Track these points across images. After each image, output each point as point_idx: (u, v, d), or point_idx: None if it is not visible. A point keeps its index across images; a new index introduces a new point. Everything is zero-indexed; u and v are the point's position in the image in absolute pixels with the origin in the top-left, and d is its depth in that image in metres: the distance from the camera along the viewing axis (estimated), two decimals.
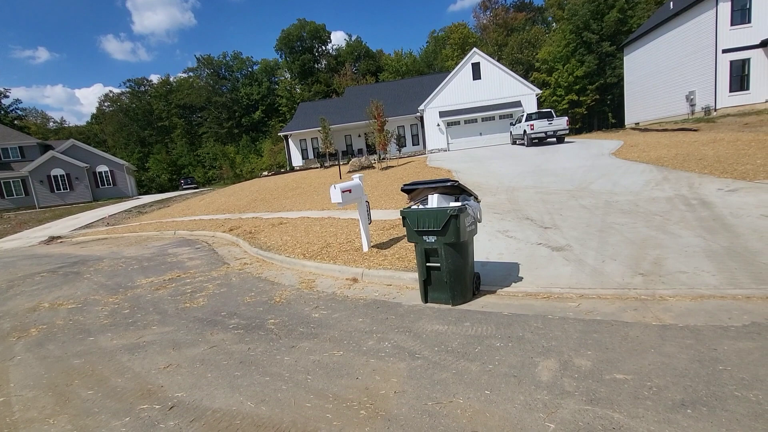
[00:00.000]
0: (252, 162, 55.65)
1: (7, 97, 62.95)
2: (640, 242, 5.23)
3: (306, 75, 62.30)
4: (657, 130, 20.56)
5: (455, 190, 4.27)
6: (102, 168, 35.02)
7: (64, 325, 4.93)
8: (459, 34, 49.29)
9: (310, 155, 34.51)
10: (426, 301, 4.32)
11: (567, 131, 19.81)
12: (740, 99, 21.30)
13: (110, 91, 76.02)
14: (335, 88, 55.96)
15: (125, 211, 25.23)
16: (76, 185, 33.36)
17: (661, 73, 26.33)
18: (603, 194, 8.23)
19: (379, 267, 5.65)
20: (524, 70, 40.87)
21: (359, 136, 33.76)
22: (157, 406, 2.76)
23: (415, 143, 32.10)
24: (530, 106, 25.67)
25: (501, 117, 26.24)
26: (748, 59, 21.14)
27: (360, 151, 34.04)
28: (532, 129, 19.82)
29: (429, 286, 4.29)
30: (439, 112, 26.95)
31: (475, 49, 26.81)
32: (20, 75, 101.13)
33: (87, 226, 21.61)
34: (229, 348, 3.63)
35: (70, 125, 78.07)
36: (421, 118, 28.55)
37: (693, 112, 23.52)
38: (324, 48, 65.27)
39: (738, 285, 3.75)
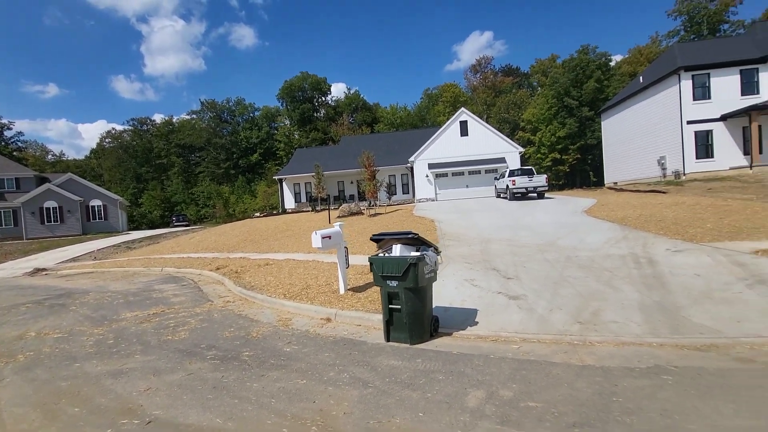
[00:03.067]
0: (246, 202, 56.51)
1: (10, 129, 64.39)
2: (587, 295, 5.82)
3: (305, 122, 65.10)
4: (630, 191, 21.87)
5: (416, 241, 4.89)
6: (95, 202, 35.44)
7: (51, 353, 5.24)
8: (450, 92, 52.68)
9: (303, 199, 35.43)
10: (388, 340, 4.78)
11: (546, 188, 21.02)
12: (706, 165, 22.95)
13: (113, 128, 78.19)
14: (332, 136, 58.37)
15: (114, 246, 25.36)
16: (68, 218, 33.55)
17: (636, 138, 28.35)
18: (567, 249, 8.92)
19: (351, 308, 6.13)
20: (510, 128, 43.44)
21: (351, 182, 34.95)
22: (136, 422, 3.14)
23: (405, 192, 33.31)
24: (514, 162, 27.23)
25: (486, 171, 27.68)
26: (711, 130, 23.09)
27: (351, 197, 35.08)
28: (514, 184, 21.01)
29: (391, 327, 4.78)
30: (429, 164, 28.37)
31: (463, 108, 28.85)
32: (27, 108, 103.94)
33: (74, 259, 21.66)
34: (205, 375, 4.02)
35: (68, 158, 79.06)
36: (412, 168, 29.93)
37: (665, 176, 25.12)
38: (324, 99, 68.81)
39: (656, 334, 4.32)
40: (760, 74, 22.43)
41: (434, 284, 7.19)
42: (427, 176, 28.49)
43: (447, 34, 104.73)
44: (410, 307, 4.59)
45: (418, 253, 4.70)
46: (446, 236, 12.22)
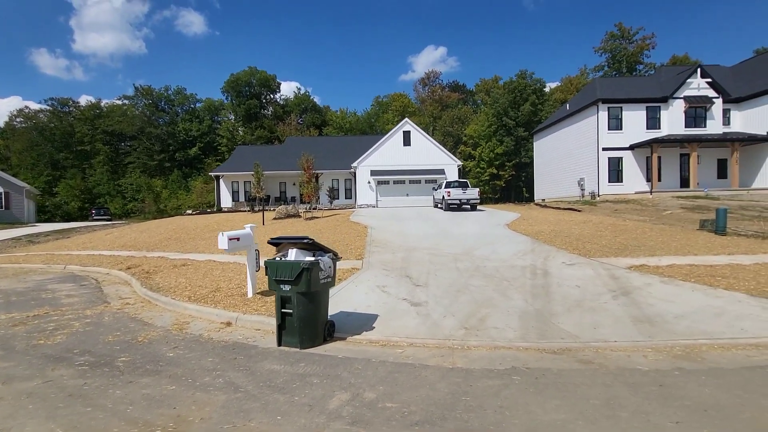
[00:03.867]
0: (180, 198, 53.08)
1: None
2: (481, 302, 6.24)
3: (251, 119, 62.90)
4: (552, 207, 23.77)
5: (312, 247, 4.95)
6: None
7: None
8: (400, 102, 53.84)
9: (241, 198, 34.10)
10: (280, 344, 4.77)
11: (478, 201, 22.16)
12: (616, 189, 25.61)
13: (26, 107, 69.60)
14: (278, 136, 56.95)
15: (13, 239, 22.56)
16: None
17: (561, 159, 30.91)
18: (479, 259, 9.48)
19: (254, 312, 6.02)
20: (454, 142, 45.32)
21: (294, 184, 34.27)
22: None
23: (348, 197, 33.32)
24: (452, 174, 28.41)
25: (426, 181, 28.59)
26: (621, 158, 25.84)
27: (293, 199, 34.39)
28: (449, 196, 21.91)
29: (284, 331, 4.77)
30: (371, 170, 28.70)
31: (406, 119, 29.65)
32: None
33: None
34: (65, 383, 3.74)
35: None
36: (354, 174, 30.07)
37: (583, 196, 27.62)
38: (272, 96, 67.05)
39: (525, 339, 4.75)
40: (662, 112, 25.56)
41: (345, 289, 7.35)
42: (369, 182, 28.78)
43: (404, 44, 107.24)
44: (302, 312, 4.62)
45: (312, 259, 4.76)
46: (374, 242, 12.42)
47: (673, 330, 4.87)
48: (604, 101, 25.52)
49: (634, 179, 25.75)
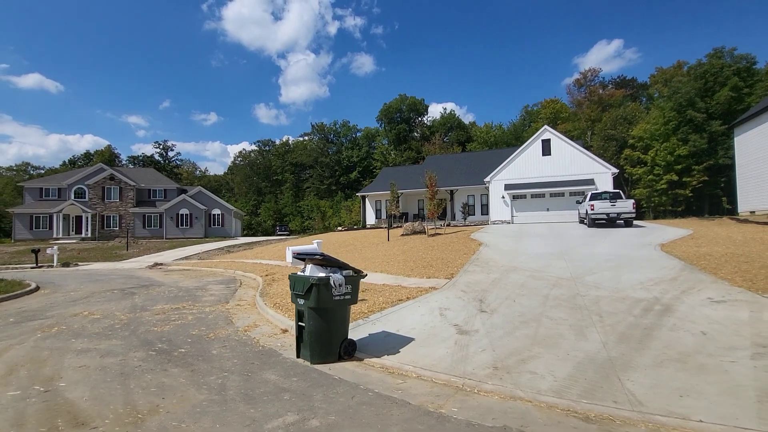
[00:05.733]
0: (341, 216, 60.67)
1: (172, 150, 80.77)
2: (541, 338, 5.10)
3: (401, 142, 67.52)
4: (757, 222, 17.49)
5: (326, 262, 5.01)
6: (216, 211, 42.20)
7: (70, 329, 6.70)
8: (551, 109, 49.19)
9: (383, 215, 36.65)
10: (298, 356, 4.96)
11: (633, 214, 18.17)
12: None
13: (243, 149, 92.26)
14: (424, 155, 59.26)
15: (218, 249, 29.83)
16: (195, 223, 40.61)
17: None
18: (585, 287, 7.76)
19: None
20: (617, 146, 38.52)
21: None
22: (45, 389, 3.98)
23: (484, 213, 32.00)
24: (605, 184, 24.13)
25: (571, 194, 25.05)
26: None
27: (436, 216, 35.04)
28: (592, 210, 18.69)
29: (301, 344, 4.95)
30: (505, 184, 26.91)
31: (545, 126, 26.81)
32: (193, 132, 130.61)
33: (186, 257, 26.17)
34: (129, 363, 4.80)
35: (210, 174, 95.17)
36: (488, 189, 28.73)
37: None
38: (420, 119, 70.51)
39: (559, 393, 3.65)
40: None
41: (406, 308, 7.09)
42: (503, 197, 27.02)
43: (567, 45, 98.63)
44: (312, 327, 4.72)
45: (324, 275, 4.82)
46: (477, 261, 11.61)
47: None
48: None
49: None
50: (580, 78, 48.66)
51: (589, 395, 3.62)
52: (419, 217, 35.95)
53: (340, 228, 39.12)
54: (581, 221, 22.18)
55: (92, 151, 76.65)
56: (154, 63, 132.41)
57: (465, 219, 30.66)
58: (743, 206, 26.63)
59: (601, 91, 46.47)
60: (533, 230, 19.74)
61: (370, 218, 36.95)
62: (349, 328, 6.25)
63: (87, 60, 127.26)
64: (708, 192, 33.60)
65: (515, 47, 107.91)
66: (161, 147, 78.31)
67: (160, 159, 76.41)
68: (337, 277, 4.80)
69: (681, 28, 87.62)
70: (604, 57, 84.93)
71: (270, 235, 56.32)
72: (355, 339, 5.67)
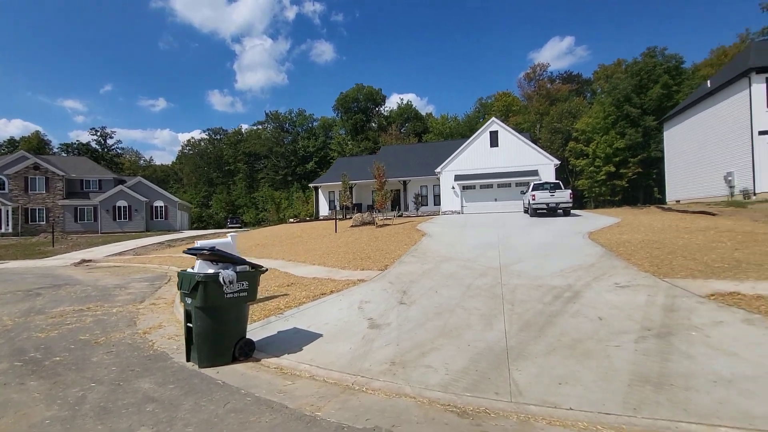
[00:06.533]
0: (297, 207, 59.33)
1: (111, 137, 74.93)
2: (449, 330, 5.04)
3: (358, 132, 66.81)
4: (679, 211, 18.90)
5: (216, 257, 4.62)
6: (158, 203, 39.68)
7: None
8: (503, 102, 50.49)
9: (337, 206, 36.15)
10: (188, 360, 4.56)
11: (570, 204, 19.01)
12: None
13: (192, 137, 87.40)
14: (381, 146, 59.05)
15: (159, 243, 28.02)
16: (135, 216, 37.98)
17: (700, 151, 24.59)
18: (509, 275, 7.88)
19: None
20: (563, 139, 40.29)
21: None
22: None
23: (436, 203, 32.38)
24: (548, 175, 25.11)
25: (517, 184, 25.89)
26: None
27: (385, 207, 35.00)
28: (534, 200, 19.35)
29: (191, 346, 4.55)
30: (455, 175, 27.31)
31: (493, 118, 27.44)
32: (140, 119, 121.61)
33: (120, 253, 24.32)
34: None
35: (155, 163, 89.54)
36: (439, 179, 29.05)
37: (732, 195, 21.36)
38: (378, 109, 70.06)
39: (446, 388, 3.55)
40: None
41: (326, 303, 6.83)
42: (453, 188, 27.43)
43: (523, 41, 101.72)
44: (200, 328, 4.34)
45: (212, 271, 4.44)
46: (416, 252, 11.58)
47: (691, 404, 3.05)
48: (760, 70, 19.34)
49: None
50: (530, 72, 50.38)
51: (474, 388, 3.54)
52: (373, 208, 35.84)
53: (292, 220, 38.19)
54: (525, 211, 22.99)
55: (18, 138, 69.46)
56: (94, 43, 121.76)
57: (417, 209, 30.92)
58: (671, 195, 28.84)
59: (549, 85, 48.36)
60: (479, 220, 20.16)
61: (324, 209, 36.33)
62: (260, 325, 5.93)
63: (14, 37, 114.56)
64: (642, 183, 36.07)
65: (475, 40, 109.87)
66: (99, 134, 72.29)
67: (97, 147, 70.57)
68: (227, 274, 4.42)
69: (626, 26, 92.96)
70: (557, 53, 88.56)
71: (221, 228, 54.01)
72: (263, 337, 5.36)
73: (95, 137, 72.64)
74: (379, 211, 22.79)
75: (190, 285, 4.31)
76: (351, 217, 29.80)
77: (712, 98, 23.15)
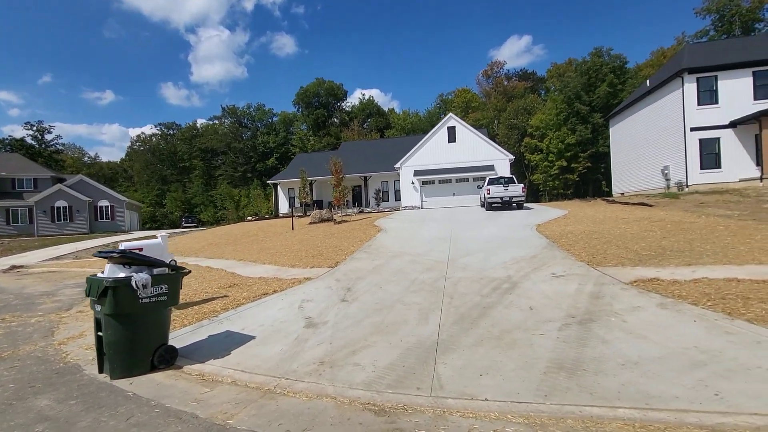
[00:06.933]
0: (256, 205, 57.65)
1: (50, 132, 69.19)
2: (385, 326, 4.99)
3: (320, 127, 65.79)
4: (621, 203, 20.05)
5: (127, 260, 4.31)
6: (103, 203, 37.18)
7: None
8: (463, 98, 51.42)
9: (297, 203, 35.45)
10: (101, 372, 4.22)
11: (522, 198, 19.66)
12: (712, 177, 20.70)
13: (142, 132, 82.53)
14: (343, 141, 58.51)
15: (103, 245, 26.27)
16: (77, 217, 35.36)
17: (640, 146, 26.21)
18: (455, 269, 7.98)
19: None
20: (519, 135, 41.65)
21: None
22: None
23: (397, 199, 32.51)
24: (503, 170, 25.87)
25: (474, 179, 26.47)
26: (718, 138, 20.81)
27: (346, 203, 34.72)
28: (489, 194, 19.85)
29: (104, 356, 4.21)
30: (414, 170, 27.52)
31: (450, 114, 27.84)
32: (85, 113, 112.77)
33: (58, 258, 22.52)
34: None
35: (101, 160, 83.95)
36: (399, 175, 29.17)
37: (668, 187, 22.96)
38: (339, 104, 69.28)
39: (369, 386, 3.48)
40: None
41: (266, 303, 6.60)
42: (413, 183, 27.63)
43: (484, 38, 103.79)
44: (111, 336, 4.01)
45: (123, 275, 4.12)
46: (369, 248, 11.50)
47: (598, 388, 3.16)
48: (692, 71, 20.82)
49: (737, 164, 20.53)
50: (488, 70, 51.65)
51: (398, 384, 3.50)
52: (332, 204, 35.48)
53: (250, 218, 37.07)
54: (482, 205, 23.58)
55: None
56: (27, 29, 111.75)
57: (378, 205, 30.92)
58: (616, 188, 30.60)
59: (506, 82, 49.82)
60: (436, 215, 20.43)
61: (284, 207, 35.53)
62: (190, 329, 5.63)
63: None
64: (591, 177, 38.04)
65: (437, 36, 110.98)
66: (35, 129, 66.48)
67: (33, 143, 64.96)
68: (140, 277, 4.12)
69: (578, 26, 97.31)
70: (516, 51, 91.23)
71: (176, 227, 51.50)
72: (190, 342, 5.08)
73: (31, 132, 66.72)
74: (337, 207, 22.51)
75: (98, 291, 3.97)
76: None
77: (650, 97, 24.69)
